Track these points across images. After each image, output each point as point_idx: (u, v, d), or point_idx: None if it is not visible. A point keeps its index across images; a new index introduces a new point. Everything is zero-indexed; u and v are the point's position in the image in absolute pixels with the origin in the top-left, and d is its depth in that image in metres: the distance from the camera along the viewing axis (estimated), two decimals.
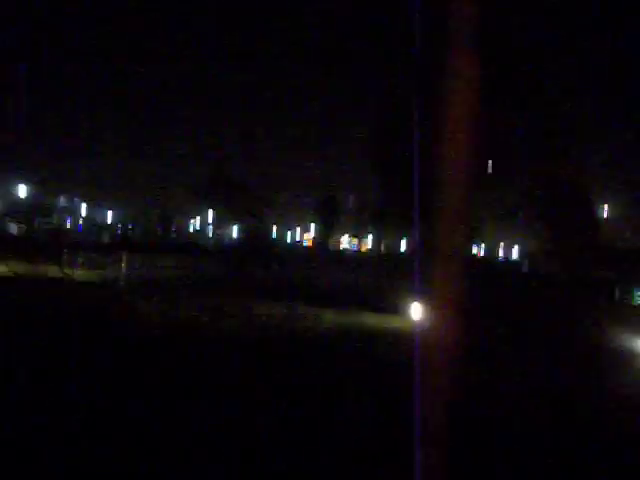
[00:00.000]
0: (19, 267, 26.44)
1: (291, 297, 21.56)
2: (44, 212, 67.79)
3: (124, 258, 26.73)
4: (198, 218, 68.92)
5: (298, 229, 69.52)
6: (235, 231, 67.10)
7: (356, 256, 61.42)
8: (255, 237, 49.15)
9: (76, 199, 73.14)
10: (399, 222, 48.26)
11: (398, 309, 20.13)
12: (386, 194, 39.64)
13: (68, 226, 70.83)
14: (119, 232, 65.18)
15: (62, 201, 73.04)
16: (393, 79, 33.63)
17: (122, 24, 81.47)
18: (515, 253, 65.32)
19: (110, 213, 69.92)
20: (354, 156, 61.61)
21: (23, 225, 60.38)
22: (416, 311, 16.68)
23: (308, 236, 70.80)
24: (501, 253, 64.03)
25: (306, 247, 67.47)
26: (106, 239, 59.14)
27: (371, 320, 19.78)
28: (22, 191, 55.35)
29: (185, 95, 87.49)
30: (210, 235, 70.94)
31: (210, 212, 60.74)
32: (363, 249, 74.78)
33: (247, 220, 50.97)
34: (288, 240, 69.08)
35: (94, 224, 68.25)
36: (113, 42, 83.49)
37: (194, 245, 56.63)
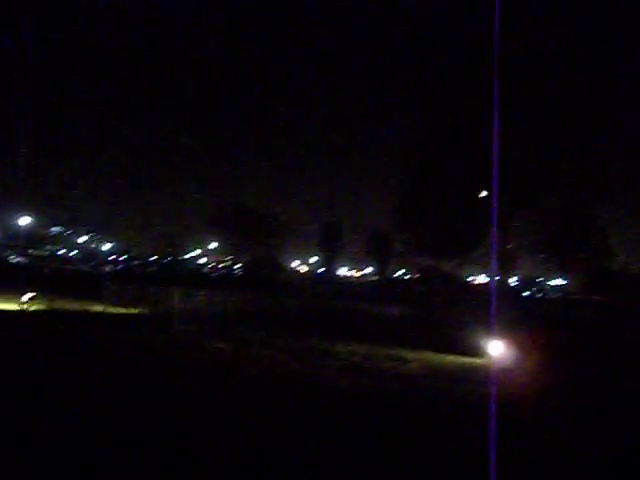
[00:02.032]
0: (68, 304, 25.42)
1: (371, 337, 21.14)
2: (40, 242, 66.70)
3: (176, 293, 25.91)
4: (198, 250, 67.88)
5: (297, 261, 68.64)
6: (230, 261, 65.66)
7: (362, 284, 61.07)
8: (266, 267, 48.27)
9: (70, 230, 72.15)
10: (407, 251, 48.16)
11: (473, 348, 18.96)
12: (403, 224, 39.63)
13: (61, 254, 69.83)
14: (120, 263, 64.06)
15: (56, 231, 72.00)
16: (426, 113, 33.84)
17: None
18: (514, 281, 65.93)
19: (109, 245, 68.88)
20: (358, 184, 61.29)
21: (23, 256, 59.30)
22: (497, 350, 16.18)
23: (302, 266, 69.98)
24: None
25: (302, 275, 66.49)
26: (107, 270, 58.18)
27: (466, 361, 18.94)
28: (23, 221, 54.25)
29: (191, 125, 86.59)
30: (209, 265, 69.88)
31: (213, 243, 59.57)
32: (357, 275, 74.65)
33: (255, 248, 49.66)
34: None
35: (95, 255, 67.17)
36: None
37: (202, 276, 55.71)
